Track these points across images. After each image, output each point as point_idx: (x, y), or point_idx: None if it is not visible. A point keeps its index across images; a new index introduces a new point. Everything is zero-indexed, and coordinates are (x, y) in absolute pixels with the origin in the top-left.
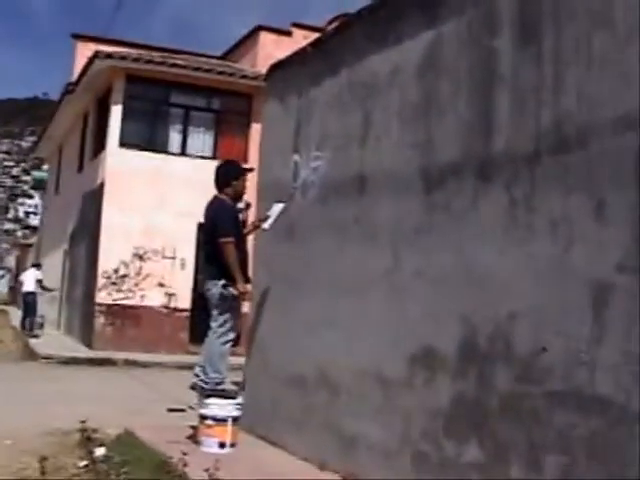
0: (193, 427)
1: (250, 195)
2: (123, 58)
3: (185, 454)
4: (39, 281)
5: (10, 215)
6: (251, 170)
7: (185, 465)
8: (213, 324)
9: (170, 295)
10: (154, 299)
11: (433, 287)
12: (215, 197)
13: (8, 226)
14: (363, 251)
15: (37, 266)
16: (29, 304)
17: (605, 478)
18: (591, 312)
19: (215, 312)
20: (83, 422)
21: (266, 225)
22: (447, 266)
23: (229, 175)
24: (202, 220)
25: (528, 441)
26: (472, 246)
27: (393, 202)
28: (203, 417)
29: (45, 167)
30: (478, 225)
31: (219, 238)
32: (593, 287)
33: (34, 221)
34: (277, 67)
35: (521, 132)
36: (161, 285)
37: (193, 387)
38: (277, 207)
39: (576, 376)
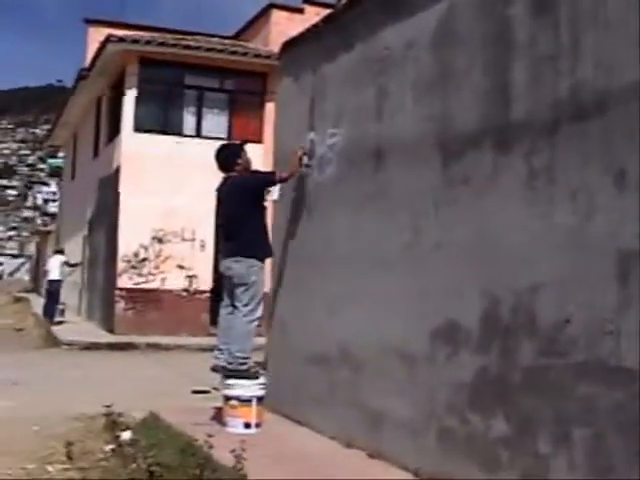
0: (218, 408)
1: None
2: (135, 41)
3: (210, 436)
4: (65, 263)
5: (29, 203)
6: (245, 143)
7: (211, 447)
8: (238, 303)
9: (191, 277)
10: (175, 282)
11: (454, 261)
12: (228, 176)
13: (27, 214)
14: (382, 226)
15: (60, 252)
16: (52, 292)
17: (633, 451)
18: (615, 281)
19: (239, 290)
20: (108, 407)
21: (275, 196)
22: (467, 239)
23: (234, 154)
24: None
25: (554, 414)
26: (492, 218)
27: (410, 176)
28: (227, 398)
29: (61, 154)
30: (498, 197)
31: (270, 182)
32: (616, 256)
33: (52, 208)
34: (290, 44)
35: (539, 101)
36: (181, 267)
37: (214, 369)
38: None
39: (601, 347)
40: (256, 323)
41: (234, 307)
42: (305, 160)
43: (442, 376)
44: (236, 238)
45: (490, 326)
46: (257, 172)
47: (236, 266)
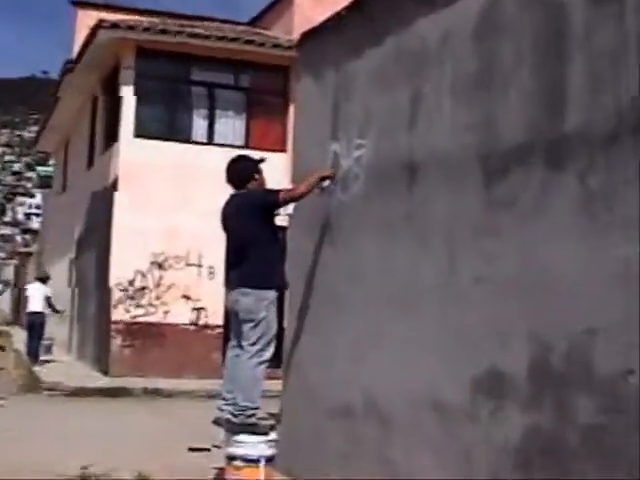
0: (220, 469)
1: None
2: (131, 28)
3: None
4: (48, 298)
5: (7, 217)
6: (264, 160)
7: None
8: (244, 342)
9: (198, 310)
10: (180, 315)
11: (497, 298)
12: (236, 193)
13: (5, 231)
14: (415, 256)
15: (43, 280)
16: (35, 326)
17: None
18: None
19: (246, 327)
20: (85, 468)
21: (290, 209)
22: (513, 272)
23: (250, 170)
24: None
25: None
26: (542, 248)
27: (448, 197)
28: (231, 458)
29: (51, 162)
30: (548, 223)
31: (275, 201)
32: None
33: (36, 224)
34: (309, 36)
35: (598, 108)
36: (187, 298)
37: (217, 422)
38: None
39: None
40: (265, 366)
41: (241, 347)
42: (325, 183)
43: (484, 435)
44: (243, 266)
45: (540, 376)
46: (265, 190)
47: (243, 299)
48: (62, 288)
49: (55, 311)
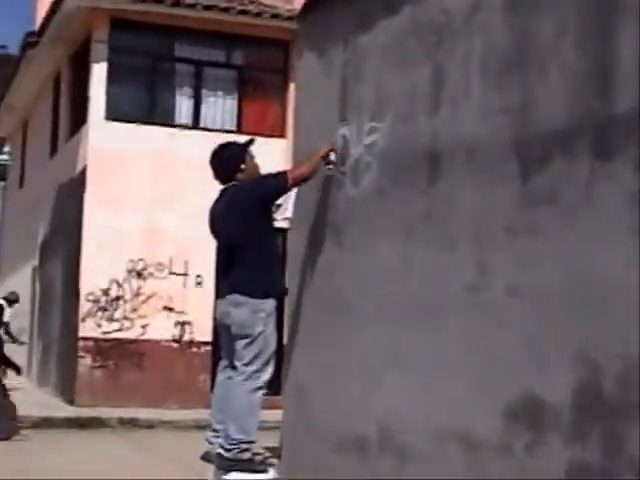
0: None
1: None
2: None
3: None
4: (5, 324)
5: None
6: (252, 142)
7: None
8: (237, 363)
9: (183, 324)
10: (160, 329)
11: (535, 310)
12: (226, 188)
13: None
14: (437, 260)
15: (10, 301)
16: None
17: None
18: None
19: (239, 344)
20: None
21: (288, 212)
22: (554, 280)
23: (235, 158)
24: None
25: None
26: (589, 252)
27: (477, 191)
28: None
29: (6, 149)
30: (597, 222)
31: (281, 189)
32: None
33: None
34: (313, 6)
35: None
36: (169, 310)
37: (206, 457)
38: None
39: None
40: (262, 391)
41: (234, 369)
42: (332, 156)
43: (520, 473)
44: (235, 270)
45: (588, 404)
46: (262, 177)
47: (235, 311)
48: (24, 301)
49: (13, 339)
